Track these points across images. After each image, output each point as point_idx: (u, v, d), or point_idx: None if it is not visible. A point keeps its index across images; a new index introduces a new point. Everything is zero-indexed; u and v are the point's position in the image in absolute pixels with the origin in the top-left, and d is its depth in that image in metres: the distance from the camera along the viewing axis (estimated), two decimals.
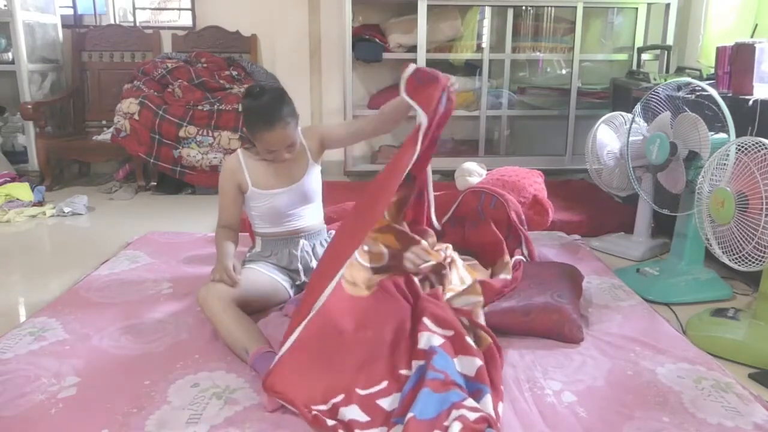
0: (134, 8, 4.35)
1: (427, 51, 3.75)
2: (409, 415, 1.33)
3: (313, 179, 2.08)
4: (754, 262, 1.72)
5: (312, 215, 2.11)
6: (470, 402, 1.39)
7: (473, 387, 1.47)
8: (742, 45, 2.40)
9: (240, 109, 1.85)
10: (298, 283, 2.08)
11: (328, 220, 2.27)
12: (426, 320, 1.68)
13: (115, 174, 4.07)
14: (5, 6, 3.83)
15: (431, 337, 1.61)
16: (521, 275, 2.01)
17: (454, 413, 1.34)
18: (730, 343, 1.80)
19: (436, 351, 1.55)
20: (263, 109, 1.86)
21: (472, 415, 1.33)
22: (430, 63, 3.77)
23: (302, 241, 2.08)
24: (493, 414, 1.37)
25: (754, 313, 1.86)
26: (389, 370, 1.56)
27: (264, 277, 1.99)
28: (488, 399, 1.42)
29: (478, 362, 1.54)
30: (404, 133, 4.12)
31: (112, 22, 4.33)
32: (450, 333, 1.65)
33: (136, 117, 3.56)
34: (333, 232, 2.25)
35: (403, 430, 1.30)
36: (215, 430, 1.38)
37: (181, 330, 1.87)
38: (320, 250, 2.12)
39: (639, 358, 1.71)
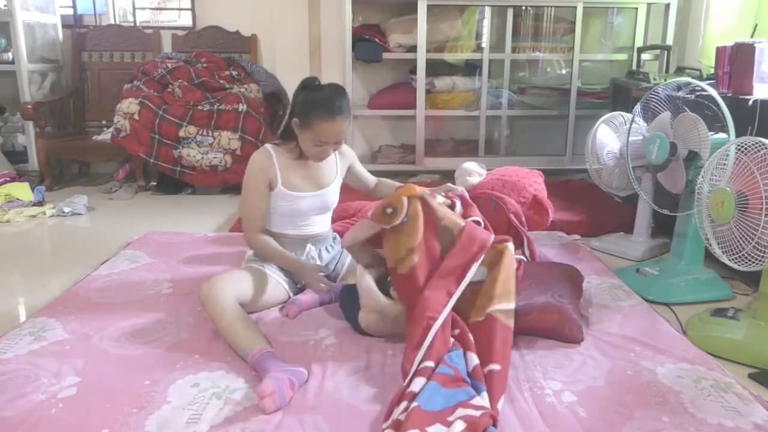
0: (134, 8, 4.35)
1: (427, 51, 3.75)
2: (414, 404, 1.35)
3: (337, 190, 2.12)
4: (753, 262, 1.71)
5: (324, 222, 2.14)
6: (477, 401, 1.40)
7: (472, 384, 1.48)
8: (742, 45, 2.40)
9: (290, 100, 1.81)
10: (299, 285, 2.08)
11: None
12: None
13: (115, 174, 4.07)
14: (5, 6, 3.83)
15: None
16: (522, 275, 2.01)
17: (460, 411, 1.34)
18: (730, 343, 1.80)
19: (455, 346, 1.58)
20: (328, 99, 1.88)
21: (477, 412, 1.34)
22: (430, 63, 3.78)
23: (309, 246, 2.09)
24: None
25: (754, 313, 1.86)
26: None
27: (266, 277, 1.99)
28: (485, 397, 1.42)
29: (476, 360, 1.55)
30: (405, 134, 4.14)
31: (112, 22, 4.33)
32: (456, 332, 1.66)
33: (136, 117, 3.56)
34: (336, 234, 2.25)
35: (406, 418, 1.31)
36: (215, 430, 1.38)
37: (181, 330, 1.86)
38: (326, 255, 2.13)
39: (639, 358, 1.71)
